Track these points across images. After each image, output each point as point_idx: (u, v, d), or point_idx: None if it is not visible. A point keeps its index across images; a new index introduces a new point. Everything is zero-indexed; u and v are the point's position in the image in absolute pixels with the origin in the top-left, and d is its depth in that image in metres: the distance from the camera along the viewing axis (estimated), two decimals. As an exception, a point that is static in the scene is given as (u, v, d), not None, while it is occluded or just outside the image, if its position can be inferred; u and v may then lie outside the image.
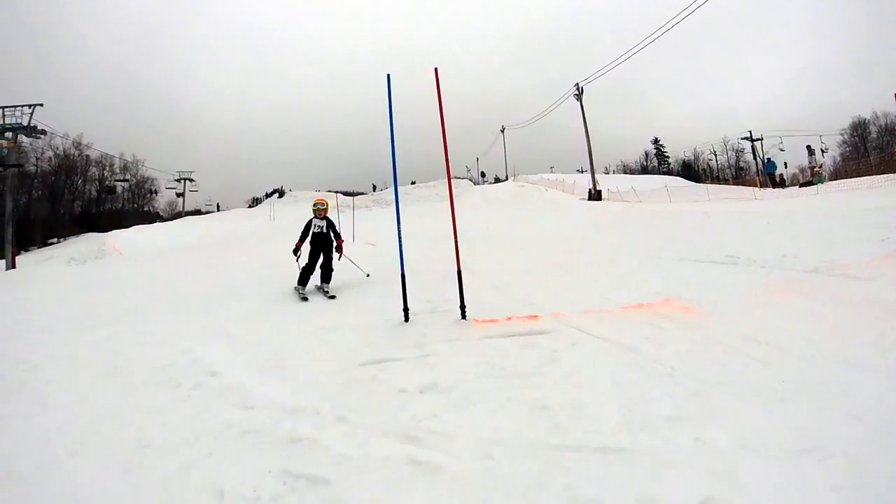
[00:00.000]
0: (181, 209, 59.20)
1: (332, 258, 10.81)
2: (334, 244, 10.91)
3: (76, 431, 4.60)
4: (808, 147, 52.00)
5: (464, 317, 6.56)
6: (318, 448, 3.87)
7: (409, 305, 6.81)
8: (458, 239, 7.00)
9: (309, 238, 10.78)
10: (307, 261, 10.58)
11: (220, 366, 5.77)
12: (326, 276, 10.67)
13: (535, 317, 6.27)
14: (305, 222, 10.93)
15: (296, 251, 10.64)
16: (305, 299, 9.81)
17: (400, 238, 7.11)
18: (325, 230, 10.84)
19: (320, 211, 10.91)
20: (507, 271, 10.28)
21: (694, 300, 6.77)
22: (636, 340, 5.43)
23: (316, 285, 10.51)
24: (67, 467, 4.01)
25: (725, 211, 20.87)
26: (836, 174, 45.80)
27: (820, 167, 45.80)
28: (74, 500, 3.59)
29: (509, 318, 6.26)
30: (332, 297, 9.89)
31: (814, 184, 31.94)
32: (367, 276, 11.25)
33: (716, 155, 69.12)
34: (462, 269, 6.82)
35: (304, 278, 10.47)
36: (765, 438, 3.60)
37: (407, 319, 6.71)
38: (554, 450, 3.50)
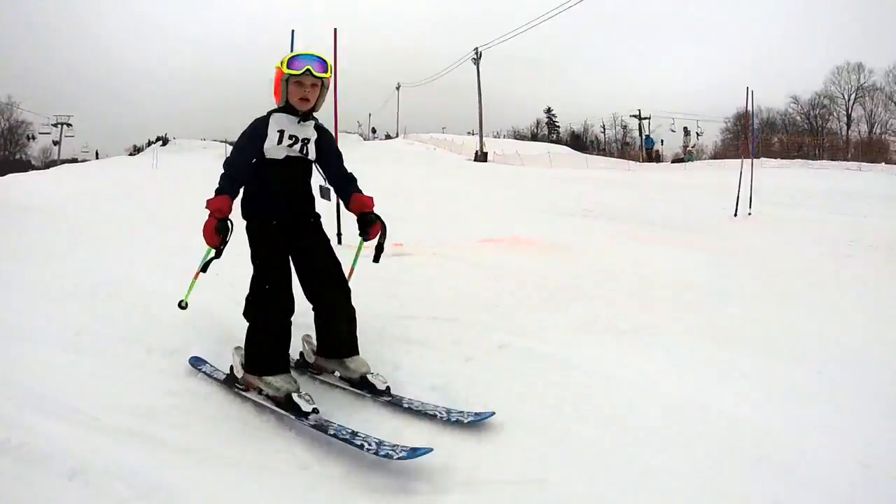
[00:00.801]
0: (56, 157, 55.54)
1: (332, 261, 3.52)
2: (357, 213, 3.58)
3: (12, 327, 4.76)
4: (685, 128, 56.27)
5: (339, 242, 7.30)
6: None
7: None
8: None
9: (262, 184, 3.42)
10: (261, 280, 3.34)
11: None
12: (345, 328, 3.45)
13: (400, 244, 7.09)
14: (242, 135, 3.46)
15: (216, 246, 3.19)
16: (357, 443, 2.67)
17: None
18: (308, 154, 3.46)
19: (310, 87, 3.31)
20: (382, 214, 10.71)
21: (543, 238, 7.85)
22: (482, 259, 6.42)
23: (316, 366, 3.60)
24: (11, 351, 4.23)
25: (599, 178, 22.60)
26: (716, 156, 50.31)
27: (693, 147, 50.34)
28: (26, 367, 3.83)
29: (378, 245, 7.05)
30: (426, 408, 3.04)
31: (684, 161, 35.34)
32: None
33: (604, 129, 72.78)
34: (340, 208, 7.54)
35: (278, 354, 3.23)
36: (568, 319, 4.60)
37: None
38: (397, 317, 4.43)
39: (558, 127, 76.72)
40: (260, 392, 3.14)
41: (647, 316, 4.54)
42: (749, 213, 12.46)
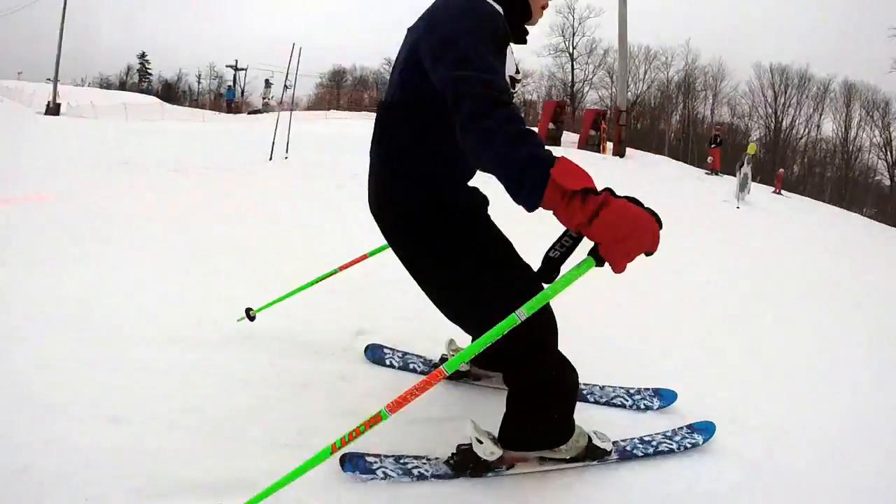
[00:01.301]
0: None
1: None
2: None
3: None
4: (267, 81, 59.18)
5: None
6: None
7: None
8: None
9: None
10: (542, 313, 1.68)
11: None
12: None
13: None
14: (479, 26, 1.71)
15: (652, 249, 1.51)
16: None
17: None
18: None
19: None
20: None
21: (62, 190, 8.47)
22: None
23: (473, 374, 2.92)
24: None
25: (172, 129, 23.32)
26: (310, 108, 55.32)
27: (270, 99, 53.82)
28: None
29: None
30: (608, 395, 2.84)
31: (261, 112, 38.64)
32: None
33: (199, 79, 71.54)
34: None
35: (574, 410, 2.19)
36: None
37: None
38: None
39: (151, 75, 72.72)
40: (542, 460, 2.18)
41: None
42: (286, 157, 14.38)
